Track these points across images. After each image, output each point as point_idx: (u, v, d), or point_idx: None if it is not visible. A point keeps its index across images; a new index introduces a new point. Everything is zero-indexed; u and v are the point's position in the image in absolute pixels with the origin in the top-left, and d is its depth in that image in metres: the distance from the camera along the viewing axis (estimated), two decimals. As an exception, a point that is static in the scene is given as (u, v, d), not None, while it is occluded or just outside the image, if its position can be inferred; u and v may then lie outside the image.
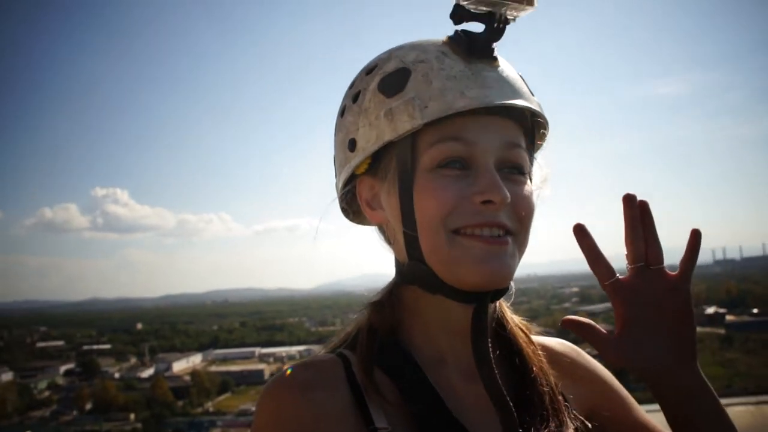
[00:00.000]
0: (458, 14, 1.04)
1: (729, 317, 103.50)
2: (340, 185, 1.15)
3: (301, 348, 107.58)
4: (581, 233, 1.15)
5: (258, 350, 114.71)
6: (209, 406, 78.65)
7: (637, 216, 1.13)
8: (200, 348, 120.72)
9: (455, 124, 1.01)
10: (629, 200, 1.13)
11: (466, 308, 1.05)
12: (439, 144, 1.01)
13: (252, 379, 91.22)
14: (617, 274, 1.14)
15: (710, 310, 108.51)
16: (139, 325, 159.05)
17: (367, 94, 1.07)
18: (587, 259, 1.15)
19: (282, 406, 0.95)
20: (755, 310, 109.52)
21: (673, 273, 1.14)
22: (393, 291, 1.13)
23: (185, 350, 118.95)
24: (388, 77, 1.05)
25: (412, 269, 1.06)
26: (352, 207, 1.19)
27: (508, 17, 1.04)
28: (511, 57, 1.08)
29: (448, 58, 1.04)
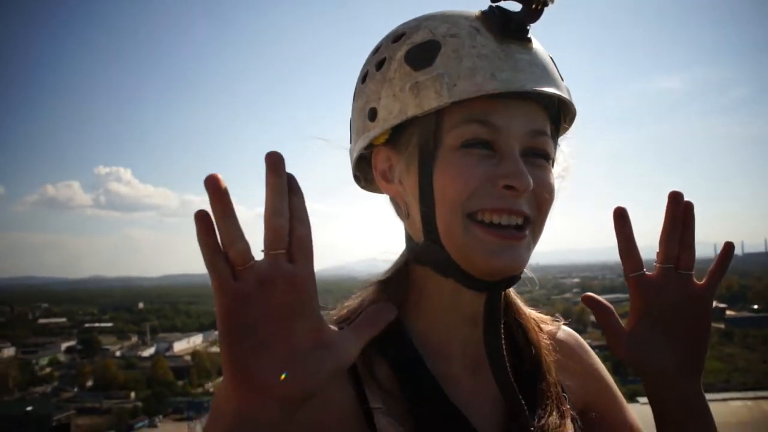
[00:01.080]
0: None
1: (729, 312, 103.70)
2: (355, 153, 1.10)
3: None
4: (621, 219, 1.11)
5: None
6: (209, 386, 78.99)
7: (680, 216, 1.08)
8: (201, 328, 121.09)
9: (482, 106, 0.97)
10: (675, 198, 1.08)
11: (479, 295, 1.03)
12: (464, 125, 0.97)
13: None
14: (644, 269, 1.11)
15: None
16: (141, 304, 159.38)
17: (393, 63, 1.01)
18: (620, 245, 1.12)
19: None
20: (755, 306, 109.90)
21: (700, 282, 1.11)
22: (402, 269, 1.10)
23: (186, 330, 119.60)
24: (417, 48, 1.00)
25: (427, 250, 1.02)
26: (366, 175, 1.16)
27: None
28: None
29: (480, 35, 0.98)
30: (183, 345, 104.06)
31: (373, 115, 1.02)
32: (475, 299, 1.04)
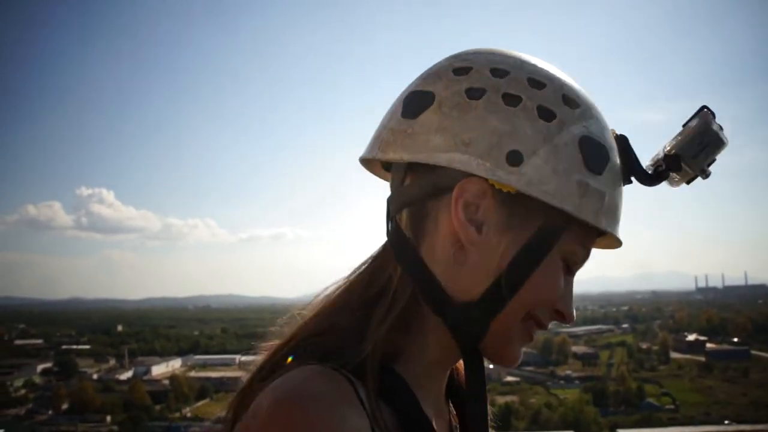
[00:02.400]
0: (659, 177, 0.99)
1: (709, 345, 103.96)
2: (442, 157, 0.91)
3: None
4: None
5: (239, 357, 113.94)
6: (187, 411, 78.14)
7: None
8: (180, 353, 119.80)
9: (593, 237, 0.97)
10: None
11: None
12: (578, 245, 0.95)
13: (231, 386, 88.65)
14: None
15: (691, 337, 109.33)
16: (120, 327, 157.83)
17: (564, 134, 0.91)
18: None
19: (328, 425, 0.77)
20: (735, 339, 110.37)
21: None
22: (407, 314, 0.95)
23: (165, 354, 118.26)
24: (593, 145, 0.93)
25: (468, 313, 0.92)
26: (415, 170, 0.96)
27: (671, 182, 1.00)
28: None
29: (621, 174, 0.98)
30: (161, 369, 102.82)
31: (515, 159, 0.89)
32: (457, 357, 1.01)
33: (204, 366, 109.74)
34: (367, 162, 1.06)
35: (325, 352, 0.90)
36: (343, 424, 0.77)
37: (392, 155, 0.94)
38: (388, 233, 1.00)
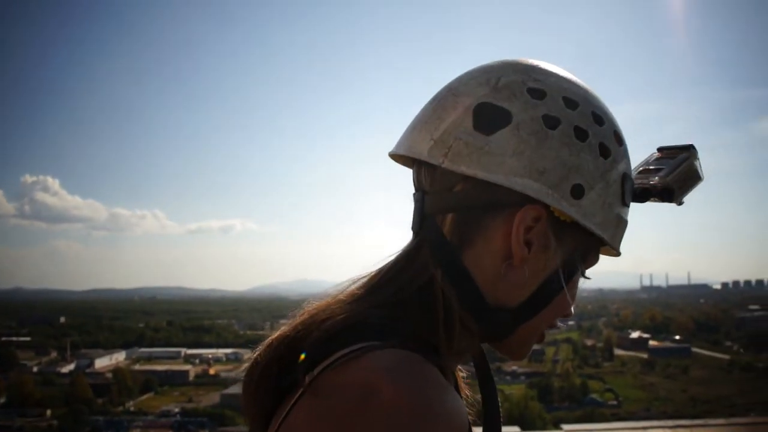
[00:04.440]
0: (642, 197, 1.07)
1: (652, 342, 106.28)
2: (517, 182, 0.93)
3: (229, 350, 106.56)
4: None
5: (184, 351, 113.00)
6: (130, 405, 76.97)
7: None
8: (125, 345, 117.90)
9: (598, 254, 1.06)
10: None
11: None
12: (595, 259, 1.05)
13: (176, 379, 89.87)
14: None
15: (635, 334, 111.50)
16: (63, 319, 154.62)
17: (615, 171, 0.99)
18: None
19: (455, 408, 0.80)
20: (677, 337, 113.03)
21: None
22: (450, 314, 0.97)
23: (109, 347, 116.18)
24: (629, 182, 1.02)
25: (500, 316, 0.98)
26: (472, 180, 0.96)
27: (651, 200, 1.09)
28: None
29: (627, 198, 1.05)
30: (105, 362, 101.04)
31: (578, 192, 0.95)
32: (471, 352, 1.10)
33: (149, 359, 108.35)
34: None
35: (387, 336, 0.90)
36: (460, 405, 0.82)
37: (465, 169, 0.94)
38: (422, 231, 1.01)
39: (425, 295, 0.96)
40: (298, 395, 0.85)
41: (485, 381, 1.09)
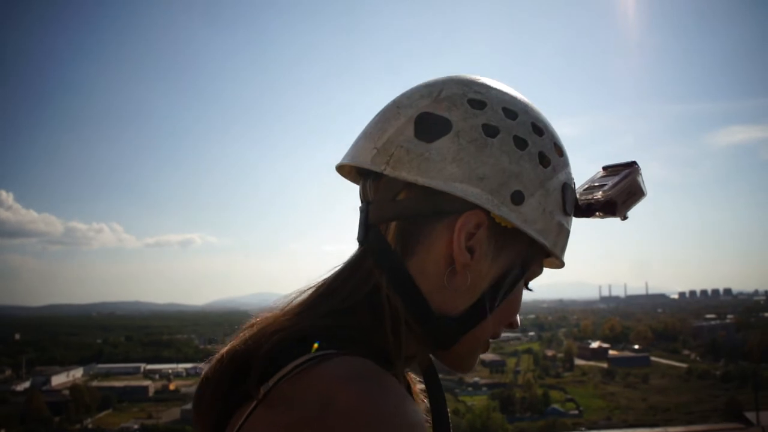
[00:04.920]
0: (587, 211, 1.09)
1: (612, 352, 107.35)
2: (457, 187, 0.96)
3: (189, 365, 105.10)
4: None
5: (143, 366, 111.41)
6: (88, 422, 75.44)
7: None
8: (82, 361, 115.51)
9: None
10: None
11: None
12: (539, 268, 1.08)
13: (135, 395, 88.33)
14: None
15: (594, 344, 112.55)
16: (17, 335, 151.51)
17: (555, 180, 1.03)
18: None
19: (412, 414, 0.79)
20: (636, 346, 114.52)
21: None
22: (397, 320, 0.97)
23: (66, 363, 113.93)
24: (570, 190, 1.05)
25: (444, 324, 0.99)
26: (414, 189, 0.99)
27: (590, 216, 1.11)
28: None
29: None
30: (62, 379, 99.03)
31: (518, 198, 0.98)
32: (417, 361, 1.09)
33: (107, 375, 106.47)
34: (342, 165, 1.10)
35: (343, 344, 0.90)
36: (418, 411, 0.81)
37: (405, 175, 0.97)
38: (367, 240, 1.03)
39: (373, 302, 0.97)
40: (252, 408, 0.84)
41: (434, 391, 1.10)
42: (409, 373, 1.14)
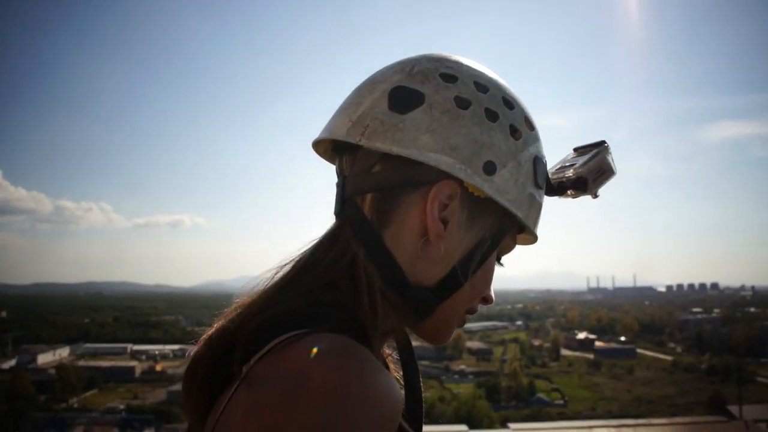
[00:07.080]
0: (559, 190, 1.13)
1: (598, 343, 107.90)
2: (431, 157, 0.98)
3: (176, 347, 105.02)
4: None
5: (130, 346, 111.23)
6: (74, 401, 75.36)
7: None
8: (69, 341, 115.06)
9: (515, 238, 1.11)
10: None
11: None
12: (512, 242, 1.09)
13: (122, 376, 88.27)
14: None
15: (581, 335, 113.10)
16: (4, 313, 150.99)
17: (526, 152, 1.05)
18: None
19: (389, 388, 0.81)
20: (622, 338, 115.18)
21: None
22: (373, 292, 0.98)
23: (52, 342, 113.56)
24: (541, 163, 1.08)
25: (422, 294, 1.01)
26: (389, 160, 1.01)
27: (564, 195, 1.15)
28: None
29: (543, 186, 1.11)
30: (48, 357, 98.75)
31: (490, 169, 1.00)
32: (394, 333, 1.11)
33: (94, 355, 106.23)
34: (318, 142, 1.11)
35: (317, 322, 0.91)
36: (394, 385, 0.83)
37: (380, 145, 0.98)
38: (344, 213, 1.04)
39: (354, 275, 0.98)
40: (235, 387, 0.85)
41: (408, 364, 1.12)
42: (384, 349, 1.14)
